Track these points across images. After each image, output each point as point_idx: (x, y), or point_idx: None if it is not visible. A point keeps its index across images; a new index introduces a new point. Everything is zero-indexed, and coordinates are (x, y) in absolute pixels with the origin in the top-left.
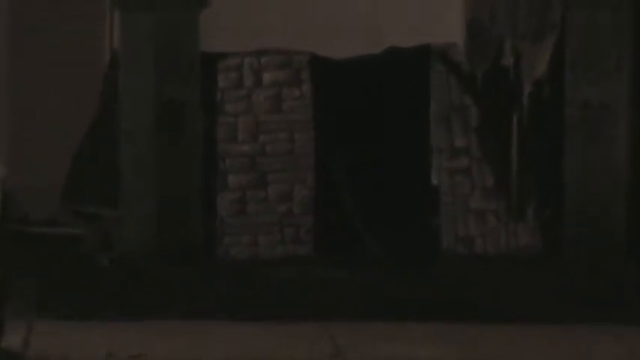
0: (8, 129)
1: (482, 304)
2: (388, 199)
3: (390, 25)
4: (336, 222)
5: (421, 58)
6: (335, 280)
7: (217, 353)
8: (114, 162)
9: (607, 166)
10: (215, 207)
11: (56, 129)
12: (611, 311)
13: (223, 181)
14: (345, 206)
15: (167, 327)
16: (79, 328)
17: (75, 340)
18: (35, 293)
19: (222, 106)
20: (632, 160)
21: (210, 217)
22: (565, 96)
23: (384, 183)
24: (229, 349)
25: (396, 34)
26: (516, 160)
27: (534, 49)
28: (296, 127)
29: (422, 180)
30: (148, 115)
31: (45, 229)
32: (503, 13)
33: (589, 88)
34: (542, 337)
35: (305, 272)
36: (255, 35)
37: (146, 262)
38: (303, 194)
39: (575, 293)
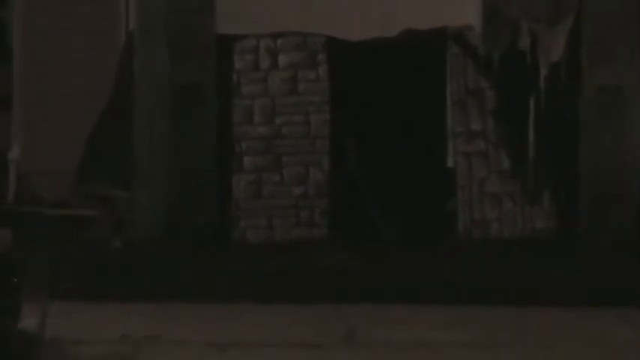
0: (22, 112)
1: (498, 288)
2: (404, 183)
3: (405, 7)
4: (351, 205)
5: (437, 41)
6: (350, 263)
7: (231, 335)
8: (128, 144)
9: (622, 150)
10: (230, 189)
11: (70, 112)
12: (625, 295)
13: (239, 163)
14: (361, 189)
15: (181, 309)
16: (93, 310)
17: (89, 321)
18: (49, 275)
19: (238, 88)
20: None
21: (226, 200)
22: (582, 79)
23: (400, 166)
24: (243, 332)
25: (411, 17)
26: (532, 143)
27: (551, 32)
28: (312, 110)
29: (438, 163)
30: (162, 98)
31: (58, 211)
32: None
33: (605, 72)
34: (556, 320)
35: (320, 255)
36: (271, 17)
37: (159, 245)
38: (318, 177)
39: (590, 277)
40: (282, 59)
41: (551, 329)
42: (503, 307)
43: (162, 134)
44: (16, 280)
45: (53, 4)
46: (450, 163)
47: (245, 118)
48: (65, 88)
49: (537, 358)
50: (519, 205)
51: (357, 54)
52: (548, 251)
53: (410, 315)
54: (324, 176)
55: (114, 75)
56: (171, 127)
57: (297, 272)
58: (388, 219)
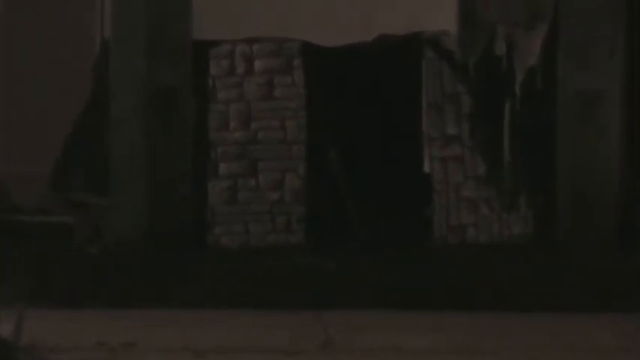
0: (1, 118)
1: (475, 293)
2: (380, 188)
3: (381, 13)
4: (327, 211)
5: (413, 46)
6: (326, 269)
7: (208, 342)
8: (103, 150)
9: (600, 154)
10: (206, 195)
11: (47, 117)
12: (605, 300)
13: (214, 169)
14: (337, 195)
15: (157, 316)
16: (69, 317)
17: (66, 328)
18: (26, 282)
19: (214, 93)
20: (625, 148)
21: (201, 206)
22: (558, 84)
23: (376, 171)
24: (220, 338)
25: (387, 22)
26: (508, 148)
27: (527, 36)
28: (288, 115)
29: (414, 168)
30: (138, 103)
31: (35, 218)
32: (496, 1)
33: (582, 75)
34: (534, 325)
35: (296, 261)
36: (247, 23)
37: (136, 251)
38: (294, 183)
39: (568, 281)
40: (257, 64)
41: (531, 335)
42: (481, 313)
43: (138, 140)
44: None
45: (29, 8)
46: (426, 168)
47: (221, 123)
48: (41, 93)
49: None
50: (496, 210)
51: (333, 59)
52: (526, 256)
53: (387, 321)
54: (300, 182)
55: (90, 80)
56: (146, 132)
57: (274, 278)
58: (364, 224)
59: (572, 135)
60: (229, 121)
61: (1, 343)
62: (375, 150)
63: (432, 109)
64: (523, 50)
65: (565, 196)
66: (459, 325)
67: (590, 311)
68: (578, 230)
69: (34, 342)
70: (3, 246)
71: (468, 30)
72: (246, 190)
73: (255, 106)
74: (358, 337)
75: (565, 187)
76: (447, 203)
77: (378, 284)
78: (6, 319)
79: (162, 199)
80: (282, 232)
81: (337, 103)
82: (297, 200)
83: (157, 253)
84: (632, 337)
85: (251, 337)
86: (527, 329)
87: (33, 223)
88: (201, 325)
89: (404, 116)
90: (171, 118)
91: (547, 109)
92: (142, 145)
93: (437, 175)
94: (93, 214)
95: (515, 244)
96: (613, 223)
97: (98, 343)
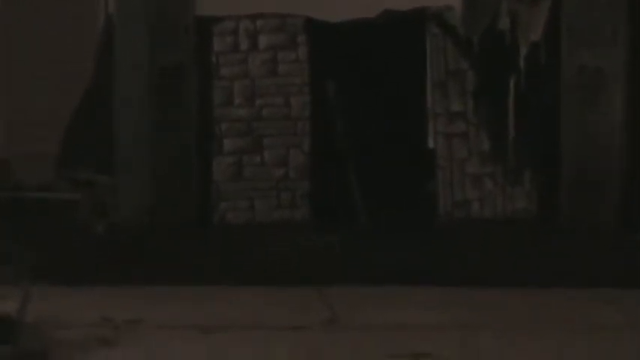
0: (4, 97)
1: (479, 269)
2: (385, 164)
3: None
4: (332, 187)
5: (417, 22)
6: (331, 245)
7: (212, 319)
8: (109, 128)
9: (603, 129)
10: (211, 172)
11: (50, 96)
12: (607, 276)
13: (219, 145)
14: (342, 171)
15: (162, 293)
16: (74, 294)
17: (70, 305)
18: (30, 259)
19: (218, 70)
20: (627, 124)
21: (206, 182)
22: (561, 60)
23: (381, 147)
24: (225, 315)
25: None
26: (513, 124)
27: (530, 12)
28: (292, 91)
29: (418, 144)
30: (142, 81)
31: (40, 195)
32: None
33: (585, 52)
34: (538, 300)
35: (301, 237)
36: None
37: (141, 228)
38: (299, 159)
39: (571, 257)
40: (261, 41)
41: (535, 310)
42: (485, 289)
43: (142, 117)
44: None
45: None
46: (430, 144)
47: (225, 100)
48: (45, 71)
49: (520, 339)
50: (500, 185)
51: (337, 35)
52: (529, 232)
53: (392, 297)
54: (304, 158)
55: (94, 58)
56: (151, 110)
57: (279, 254)
58: (369, 200)
59: (576, 111)
60: (234, 98)
61: (7, 320)
62: (379, 126)
63: (437, 85)
64: (527, 26)
65: (569, 172)
66: (463, 301)
67: (592, 287)
68: (581, 206)
69: (39, 319)
70: (8, 224)
71: (472, 5)
72: (251, 167)
73: (260, 83)
74: (362, 313)
75: (569, 162)
76: (452, 179)
77: (382, 260)
78: (11, 297)
79: (167, 176)
80: (287, 208)
81: (341, 79)
82: (301, 176)
83: (162, 230)
84: (634, 313)
85: (256, 313)
86: (530, 305)
87: (38, 199)
88: (206, 301)
89: (408, 92)
90: (176, 95)
91: (551, 85)
92: (146, 122)
93: (441, 151)
94: (99, 192)
95: (519, 219)
96: (616, 199)
97: (103, 319)
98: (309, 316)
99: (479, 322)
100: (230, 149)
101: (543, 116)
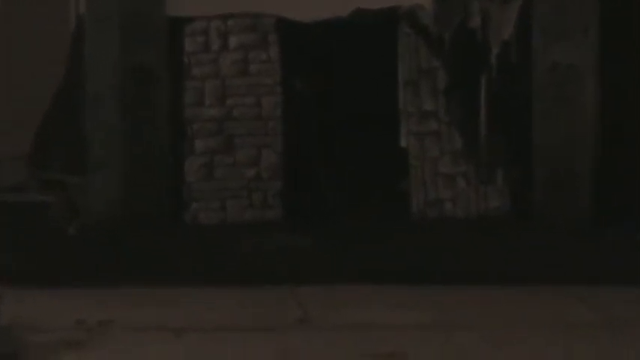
0: None
1: (452, 268)
2: (356, 163)
3: None
4: (304, 186)
5: (388, 21)
6: (303, 245)
7: (185, 320)
8: (80, 128)
9: (575, 127)
10: (182, 172)
11: (22, 96)
12: (578, 273)
13: (190, 145)
14: (314, 171)
15: (135, 293)
16: (47, 296)
17: (44, 307)
18: (3, 261)
19: (189, 70)
20: (599, 122)
21: (178, 183)
22: (533, 58)
23: (352, 147)
24: (198, 316)
25: None
26: (485, 122)
27: (501, 10)
28: (263, 91)
29: (391, 144)
30: (114, 81)
31: (12, 196)
32: None
33: (557, 49)
34: (511, 299)
35: (273, 237)
36: None
37: (113, 229)
38: (271, 159)
39: (544, 255)
40: (232, 40)
41: (509, 309)
42: (459, 287)
43: (114, 118)
44: None
45: None
46: (402, 143)
47: (196, 100)
48: (16, 73)
49: (496, 338)
50: (473, 184)
51: (309, 34)
52: (503, 230)
53: (364, 297)
54: (276, 158)
55: (65, 59)
56: (122, 110)
57: (251, 254)
58: (341, 200)
59: (548, 109)
60: (205, 98)
61: None
62: (351, 125)
63: (408, 84)
64: (498, 23)
65: (541, 170)
66: (436, 300)
67: (565, 284)
68: (554, 204)
69: (12, 322)
70: None
71: (443, 4)
72: (223, 167)
73: (231, 83)
74: (335, 313)
75: (541, 161)
76: (424, 178)
77: (355, 260)
78: None
79: (138, 176)
80: (259, 209)
81: (313, 79)
82: (273, 176)
83: (133, 231)
84: (607, 310)
85: (228, 314)
86: (504, 303)
87: (10, 202)
88: (179, 302)
89: (380, 91)
90: (147, 96)
91: (523, 84)
92: (117, 122)
93: (413, 150)
94: (70, 193)
95: (492, 219)
96: (588, 197)
97: (76, 321)
98: (282, 316)
99: (454, 321)
100: (201, 149)
101: (515, 114)
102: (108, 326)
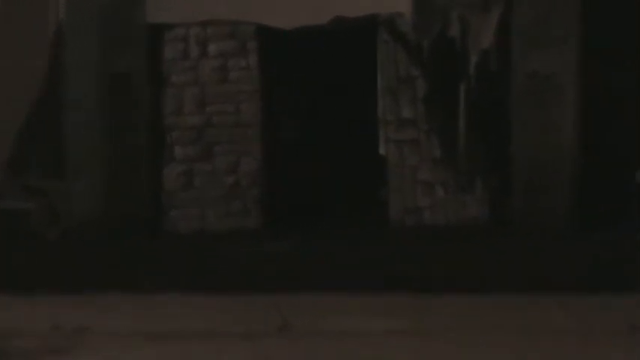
0: None
1: (431, 275)
2: (336, 171)
3: None
4: (283, 194)
5: (368, 29)
6: (283, 252)
7: (162, 326)
8: (59, 134)
9: (554, 135)
10: (161, 180)
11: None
12: (556, 280)
13: (170, 153)
14: (293, 178)
15: (113, 300)
16: (24, 302)
17: (21, 313)
18: None
19: (169, 77)
20: (578, 130)
21: (157, 190)
22: (512, 66)
23: (332, 154)
24: (175, 322)
25: (342, 4)
26: (464, 130)
27: (481, 19)
28: (242, 98)
29: (369, 151)
30: (93, 87)
31: None
32: None
33: (536, 58)
34: (489, 306)
35: (253, 244)
36: (201, 6)
37: (93, 236)
38: (250, 166)
39: (522, 263)
40: (212, 48)
41: (487, 316)
42: (437, 295)
43: (93, 124)
44: None
45: None
46: (381, 150)
47: (176, 107)
48: None
49: (474, 344)
50: (451, 192)
51: (288, 42)
52: (481, 238)
53: (344, 304)
54: (256, 165)
55: (45, 65)
56: (101, 117)
57: (230, 262)
58: (320, 207)
59: (527, 117)
60: (184, 105)
61: None
62: (330, 133)
63: (387, 92)
64: (477, 33)
65: (520, 178)
66: (415, 307)
67: (543, 292)
68: (533, 212)
69: None
70: None
71: (423, 12)
72: (202, 175)
73: (210, 90)
74: (315, 320)
75: (520, 168)
76: (403, 186)
77: (335, 267)
78: None
79: (118, 184)
80: (239, 216)
81: (292, 86)
82: (253, 183)
83: (113, 238)
84: (583, 317)
85: (207, 321)
86: (482, 310)
87: None
88: (157, 309)
89: (359, 99)
90: (126, 103)
91: (501, 92)
92: (97, 129)
93: (392, 158)
94: (50, 199)
95: (470, 226)
96: (567, 205)
97: (53, 328)
98: (261, 324)
99: (433, 328)
100: (181, 157)
101: (494, 122)
102: (85, 332)
